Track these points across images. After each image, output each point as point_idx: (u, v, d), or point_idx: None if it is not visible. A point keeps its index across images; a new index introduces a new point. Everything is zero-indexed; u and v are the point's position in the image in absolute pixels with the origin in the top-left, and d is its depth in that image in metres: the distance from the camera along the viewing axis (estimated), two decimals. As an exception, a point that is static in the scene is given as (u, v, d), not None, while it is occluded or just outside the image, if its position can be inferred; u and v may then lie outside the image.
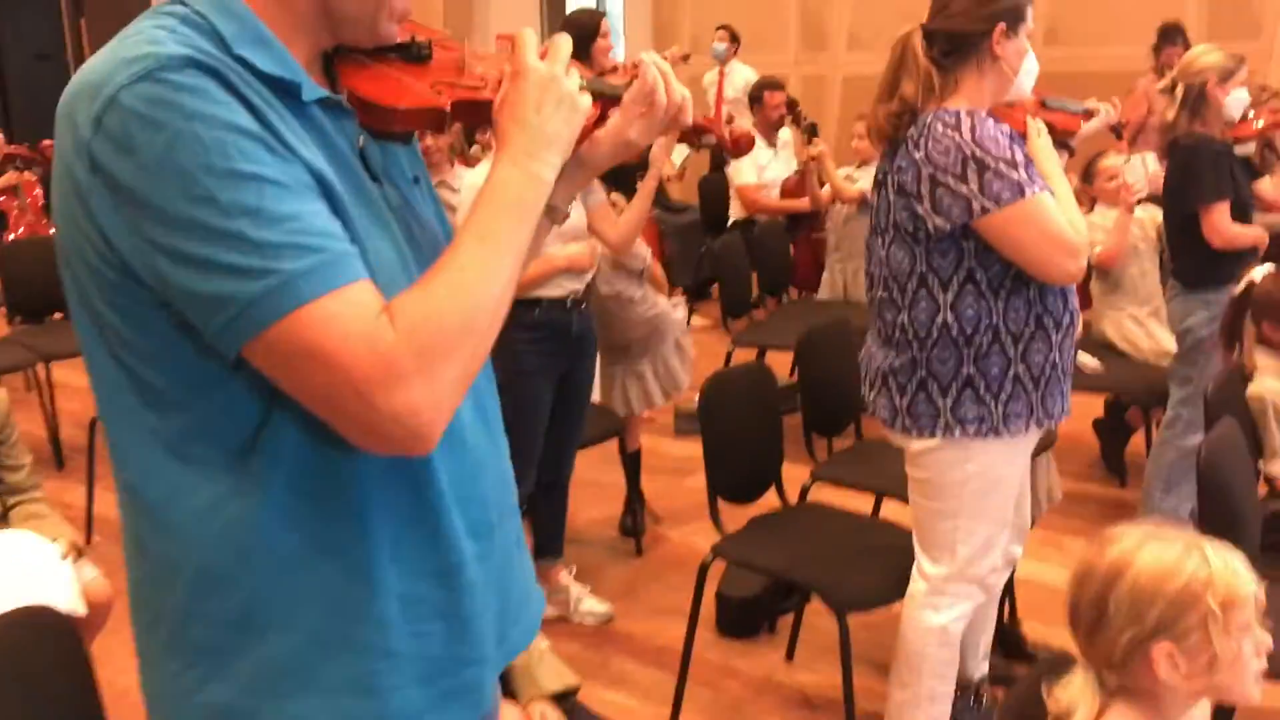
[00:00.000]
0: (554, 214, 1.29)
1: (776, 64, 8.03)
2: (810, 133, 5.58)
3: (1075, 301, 2.26)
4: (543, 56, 1.17)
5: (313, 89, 1.09)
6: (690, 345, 4.07)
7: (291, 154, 1.01)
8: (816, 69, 8.74)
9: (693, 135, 1.36)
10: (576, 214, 2.61)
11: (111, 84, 0.97)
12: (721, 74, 7.59)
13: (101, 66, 1.00)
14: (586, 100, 1.19)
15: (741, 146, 1.40)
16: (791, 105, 6.24)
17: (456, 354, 1.02)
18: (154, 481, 1.08)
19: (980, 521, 2.31)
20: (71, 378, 4.82)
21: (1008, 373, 2.19)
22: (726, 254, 5.19)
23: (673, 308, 4.11)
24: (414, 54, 1.20)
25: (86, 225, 1.00)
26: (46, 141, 6.71)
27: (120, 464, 1.12)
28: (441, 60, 1.22)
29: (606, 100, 1.26)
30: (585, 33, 4.10)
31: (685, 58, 7.32)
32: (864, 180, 5.09)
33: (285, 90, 1.06)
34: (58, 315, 4.82)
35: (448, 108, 1.17)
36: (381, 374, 0.97)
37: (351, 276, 0.99)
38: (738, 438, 2.87)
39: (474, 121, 1.21)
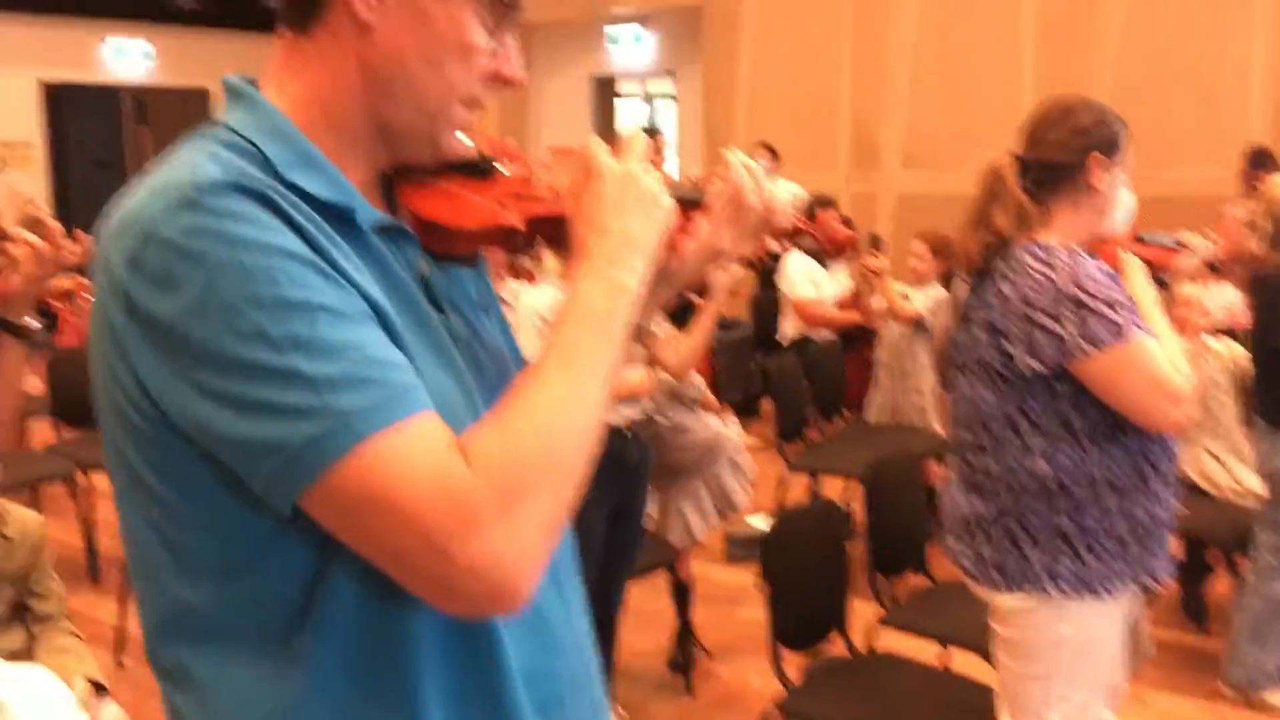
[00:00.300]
0: (641, 334, 1.16)
1: (827, 180, 8.01)
2: (872, 244, 5.48)
3: (1176, 450, 2.10)
4: (616, 156, 1.06)
5: (369, 214, 0.99)
6: (747, 463, 3.94)
7: (346, 281, 0.91)
8: (868, 186, 8.71)
9: (788, 238, 1.24)
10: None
11: (146, 217, 0.87)
12: None
13: (137, 200, 0.90)
14: (669, 198, 1.07)
15: (841, 246, 1.28)
16: (845, 224, 6.18)
17: (541, 493, 0.89)
18: (190, 661, 0.96)
19: (1074, 687, 2.12)
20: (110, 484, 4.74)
21: (1107, 528, 2.02)
22: (782, 375, 5.06)
23: (726, 426, 3.99)
24: (477, 168, 1.09)
25: (122, 373, 0.90)
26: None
27: (154, 635, 0.99)
28: (507, 173, 1.12)
29: (691, 205, 1.15)
30: (641, 149, 4.08)
31: None
32: (920, 300, 4.98)
33: (339, 216, 0.96)
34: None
35: (519, 225, 1.06)
36: (457, 521, 0.85)
37: (416, 408, 0.88)
38: (803, 580, 2.71)
39: (547, 237, 1.10)
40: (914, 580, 3.34)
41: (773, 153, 7.80)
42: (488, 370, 1.07)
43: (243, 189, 0.88)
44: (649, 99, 12.59)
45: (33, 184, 10.17)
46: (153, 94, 11.91)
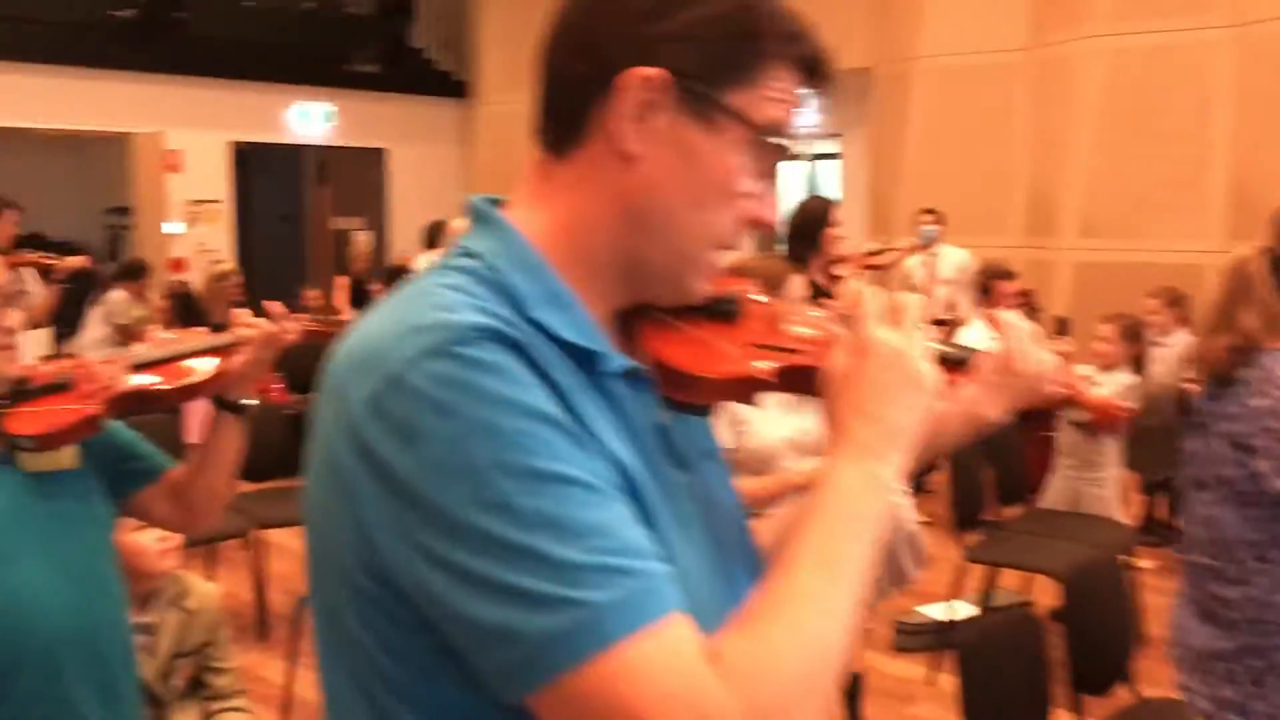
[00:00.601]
0: None
1: (996, 246, 7.70)
2: (1059, 329, 5.22)
3: None
4: (890, 320, 0.95)
5: (614, 359, 0.90)
6: (923, 538, 3.73)
7: (596, 442, 0.83)
8: (1043, 254, 8.33)
9: (1055, 408, 1.11)
10: (815, 424, 2.40)
11: (396, 358, 0.80)
12: (931, 256, 7.31)
13: (383, 334, 0.83)
14: (936, 376, 0.95)
15: (1117, 424, 1.13)
16: (1025, 295, 5.91)
17: (794, 716, 0.79)
18: None
19: None
20: (286, 539, 4.81)
21: (1372, 674, 1.79)
22: (960, 457, 4.81)
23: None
24: (721, 311, 1.00)
25: (345, 520, 0.82)
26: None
27: None
28: (751, 317, 1.02)
29: (955, 367, 1.03)
30: (815, 219, 3.97)
31: (911, 249, 7.21)
32: (1107, 386, 4.68)
33: (582, 359, 0.88)
34: (274, 483, 4.82)
35: (770, 378, 0.97)
36: None
37: (667, 607, 0.78)
38: (1000, 698, 2.50)
39: (798, 391, 0.99)
40: (1117, 692, 3.07)
41: (938, 218, 7.56)
42: (720, 531, 0.98)
43: (499, 336, 0.81)
44: (813, 160, 12.47)
45: (218, 238, 10.68)
46: (333, 153, 12.42)
